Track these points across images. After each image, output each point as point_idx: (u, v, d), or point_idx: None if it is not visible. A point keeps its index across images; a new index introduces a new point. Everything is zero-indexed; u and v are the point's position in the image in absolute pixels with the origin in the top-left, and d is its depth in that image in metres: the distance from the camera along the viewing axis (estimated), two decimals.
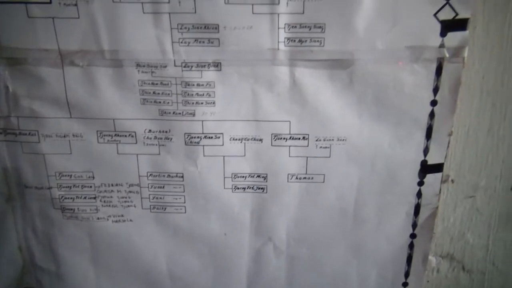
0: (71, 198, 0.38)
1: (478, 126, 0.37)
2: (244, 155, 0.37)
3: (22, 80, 0.34)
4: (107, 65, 0.33)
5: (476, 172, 0.39)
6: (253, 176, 0.38)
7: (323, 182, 0.38)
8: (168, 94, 0.34)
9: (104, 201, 0.38)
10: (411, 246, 0.41)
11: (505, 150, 0.38)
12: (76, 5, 0.31)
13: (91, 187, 0.38)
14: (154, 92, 0.34)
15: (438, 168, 0.38)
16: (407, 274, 0.42)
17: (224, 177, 0.37)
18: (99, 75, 0.34)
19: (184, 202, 0.38)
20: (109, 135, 0.36)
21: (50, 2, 0.31)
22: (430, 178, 0.38)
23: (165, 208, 0.39)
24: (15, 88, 0.34)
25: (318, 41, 0.33)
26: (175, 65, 0.33)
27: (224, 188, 0.38)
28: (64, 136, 0.36)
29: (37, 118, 0.35)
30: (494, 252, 0.42)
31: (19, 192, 0.38)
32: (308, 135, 0.36)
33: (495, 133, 0.37)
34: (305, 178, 0.38)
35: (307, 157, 0.37)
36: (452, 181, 0.39)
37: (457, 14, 0.32)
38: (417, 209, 0.39)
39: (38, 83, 0.34)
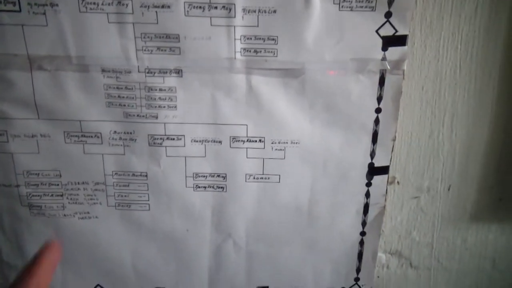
0: (38, 195, 0.40)
1: (420, 132, 0.41)
2: (205, 156, 0.39)
3: None
4: (74, 70, 0.36)
5: (419, 174, 0.43)
6: (213, 176, 0.40)
7: (279, 182, 0.40)
8: (132, 98, 0.37)
9: (71, 199, 0.40)
10: (361, 243, 0.44)
11: (445, 154, 0.42)
12: (44, 14, 0.34)
13: (58, 185, 0.40)
14: (119, 96, 0.37)
15: (384, 170, 0.41)
16: (358, 270, 0.45)
17: (186, 177, 0.40)
18: (66, 79, 0.36)
19: (148, 200, 0.41)
20: (76, 135, 0.38)
21: (20, 11, 0.33)
22: (377, 179, 0.41)
23: (130, 206, 0.41)
24: None
25: (271, 51, 0.36)
26: (138, 71, 0.36)
27: (186, 186, 0.40)
28: (32, 136, 0.38)
29: (6, 119, 0.37)
30: (438, 249, 0.46)
31: None
32: (264, 138, 0.39)
33: (435, 138, 0.41)
34: (262, 178, 0.40)
35: (263, 158, 0.39)
36: (398, 182, 0.43)
37: (396, 31, 0.36)
38: (366, 208, 0.42)
39: (7, 85, 0.36)
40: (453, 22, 0.37)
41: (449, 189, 0.43)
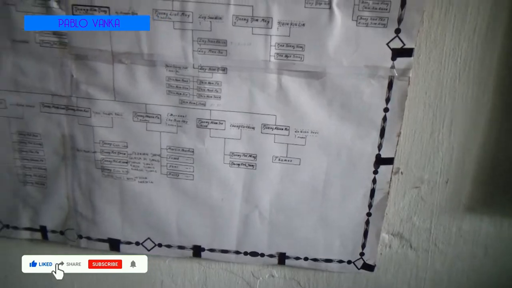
0: (109, 161, 0.51)
1: (423, 131, 0.48)
2: (240, 139, 0.48)
3: (82, 70, 0.47)
4: (144, 64, 0.46)
5: (421, 167, 0.50)
6: (246, 155, 0.49)
7: (299, 164, 0.49)
8: (187, 88, 0.47)
9: (133, 166, 0.51)
10: (367, 222, 0.51)
11: (444, 151, 0.49)
12: None
13: (124, 154, 0.50)
14: (176, 86, 0.47)
15: (389, 161, 0.48)
16: (363, 245, 0.52)
17: (224, 155, 0.49)
18: (138, 71, 0.46)
19: (193, 171, 0.50)
20: (141, 115, 0.48)
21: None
22: (383, 168, 0.49)
23: (178, 175, 0.51)
24: (78, 76, 0.47)
25: (299, 57, 0.44)
26: (193, 68, 0.46)
27: (224, 163, 0.50)
28: (109, 114, 0.48)
29: (91, 99, 0.48)
30: (435, 234, 0.53)
31: (72, 153, 0.51)
32: (289, 127, 0.47)
33: (436, 137, 0.48)
34: (285, 160, 0.49)
35: (287, 144, 0.48)
36: (402, 173, 0.50)
37: (404, 45, 0.43)
38: (372, 192, 0.50)
39: (94, 74, 0.47)
40: (454, 39, 0.44)
41: (446, 182, 0.50)
